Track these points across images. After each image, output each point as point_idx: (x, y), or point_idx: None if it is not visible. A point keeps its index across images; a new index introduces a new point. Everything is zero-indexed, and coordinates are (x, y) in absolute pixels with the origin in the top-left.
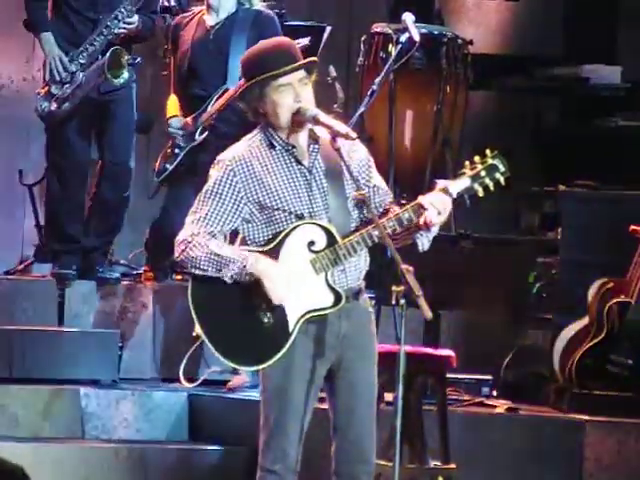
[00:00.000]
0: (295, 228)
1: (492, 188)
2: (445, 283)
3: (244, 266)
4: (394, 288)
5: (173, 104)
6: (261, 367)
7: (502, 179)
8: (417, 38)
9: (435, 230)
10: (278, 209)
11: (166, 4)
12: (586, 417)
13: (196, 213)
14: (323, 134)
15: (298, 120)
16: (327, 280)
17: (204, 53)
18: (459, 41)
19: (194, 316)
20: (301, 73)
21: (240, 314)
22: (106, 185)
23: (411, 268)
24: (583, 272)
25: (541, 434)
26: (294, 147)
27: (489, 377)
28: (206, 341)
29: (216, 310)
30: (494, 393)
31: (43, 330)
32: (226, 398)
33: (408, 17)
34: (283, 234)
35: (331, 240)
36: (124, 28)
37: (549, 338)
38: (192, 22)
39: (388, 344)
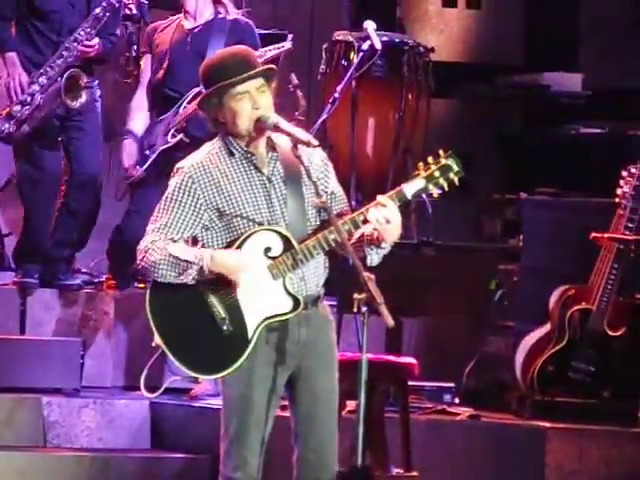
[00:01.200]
0: (251, 235)
1: (447, 188)
2: (407, 290)
3: (201, 267)
4: (356, 296)
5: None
6: (221, 375)
7: (456, 179)
8: (378, 46)
9: (387, 247)
10: (237, 216)
11: (127, 12)
12: (548, 424)
13: (157, 221)
14: (283, 142)
15: (259, 128)
16: (285, 286)
17: (182, 54)
18: (420, 49)
19: (152, 326)
20: (259, 81)
21: (199, 323)
22: (75, 196)
23: (372, 276)
24: (545, 279)
25: (503, 441)
26: (253, 155)
27: (451, 384)
28: (165, 350)
29: (175, 319)
30: (456, 400)
31: (5, 338)
32: (188, 406)
33: (370, 25)
34: (239, 241)
35: (288, 246)
36: (83, 51)
37: (511, 345)
38: (170, 27)
39: (350, 352)
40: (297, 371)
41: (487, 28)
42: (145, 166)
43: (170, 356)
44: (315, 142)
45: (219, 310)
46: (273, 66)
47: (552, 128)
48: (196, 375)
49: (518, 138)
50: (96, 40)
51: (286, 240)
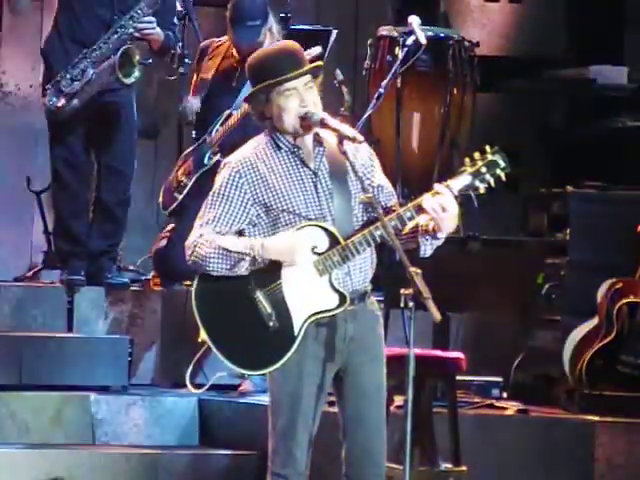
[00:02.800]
0: (298, 231)
1: (493, 184)
2: (454, 285)
3: (254, 257)
4: (403, 291)
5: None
6: (266, 371)
7: (502, 175)
8: (423, 41)
9: (442, 237)
10: (284, 211)
11: None
12: (596, 418)
13: (204, 217)
14: (329, 137)
15: (305, 124)
16: (331, 282)
17: (223, 89)
18: (466, 43)
19: (199, 321)
20: (307, 77)
21: (245, 318)
22: (104, 188)
23: (419, 270)
24: (592, 273)
25: (552, 435)
26: (300, 149)
27: (499, 379)
28: (211, 346)
29: (221, 315)
30: (504, 395)
31: (53, 337)
32: (236, 403)
33: (414, 20)
34: None
35: (334, 242)
36: (139, 28)
37: (558, 339)
38: (220, 49)
39: (397, 347)
40: (344, 367)
41: (530, 21)
42: (184, 193)
43: (216, 351)
44: (361, 138)
45: (265, 306)
46: (320, 63)
47: (598, 121)
48: (242, 370)
49: (564, 132)
50: (153, 19)
51: (332, 236)
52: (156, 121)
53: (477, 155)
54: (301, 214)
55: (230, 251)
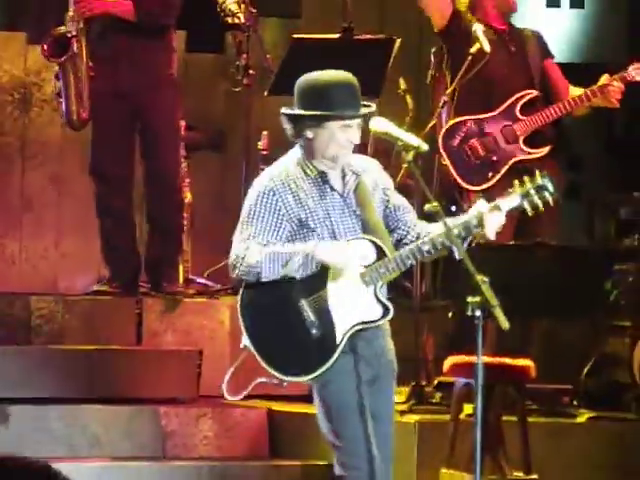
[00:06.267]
0: (349, 241)
1: (541, 207)
2: (521, 292)
3: (307, 254)
4: (470, 299)
5: None
6: (307, 378)
7: (551, 200)
8: (487, 49)
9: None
10: (314, 230)
11: (236, 21)
12: None
13: (242, 234)
14: (356, 161)
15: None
16: (376, 293)
17: None
18: None
19: (242, 327)
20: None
21: (288, 325)
22: (153, 195)
23: (486, 278)
24: None
25: (623, 443)
26: (326, 174)
27: (569, 386)
28: (253, 352)
29: (264, 321)
30: (574, 402)
31: (122, 349)
32: (305, 414)
33: (478, 28)
34: None
35: (381, 255)
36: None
37: (628, 345)
38: None
39: (466, 355)
40: (372, 380)
41: (591, 27)
42: None
43: (258, 357)
44: (425, 146)
45: (309, 314)
46: (374, 108)
47: None
48: (282, 377)
49: (628, 137)
50: None
51: (380, 249)
52: (222, 133)
53: (527, 178)
54: (333, 232)
55: (281, 252)
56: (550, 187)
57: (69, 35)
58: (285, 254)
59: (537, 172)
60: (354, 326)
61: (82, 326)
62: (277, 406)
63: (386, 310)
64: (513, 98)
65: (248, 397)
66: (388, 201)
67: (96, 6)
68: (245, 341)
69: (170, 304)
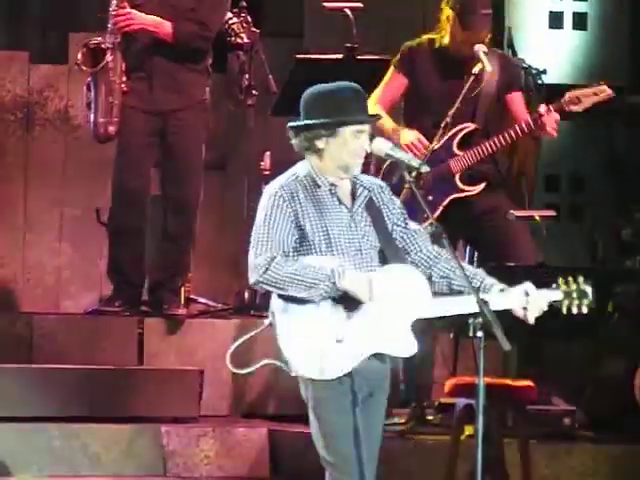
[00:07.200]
0: (385, 272)
1: (575, 311)
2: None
3: (333, 283)
4: (471, 320)
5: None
6: (313, 377)
7: (586, 309)
8: (489, 69)
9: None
10: (319, 240)
11: (239, 41)
12: None
13: (258, 243)
14: (364, 178)
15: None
16: (409, 326)
17: None
18: (533, 71)
19: (276, 312)
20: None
21: (314, 323)
22: (169, 218)
23: (487, 300)
24: None
25: (625, 465)
26: (337, 187)
27: (571, 408)
28: (278, 338)
29: (292, 315)
30: (576, 424)
31: (123, 369)
32: (306, 433)
33: (480, 48)
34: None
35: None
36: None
37: (630, 368)
38: None
39: (467, 376)
40: (365, 398)
41: (593, 49)
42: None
43: (277, 340)
44: (426, 167)
45: (340, 322)
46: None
47: None
48: (291, 367)
49: (630, 158)
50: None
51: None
52: (224, 153)
53: (571, 279)
54: (338, 246)
55: (305, 279)
56: (590, 296)
57: (104, 47)
58: (308, 281)
59: (580, 277)
60: (374, 354)
61: (84, 345)
62: (278, 426)
63: (412, 347)
64: (452, 132)
65: (248, 415)
66: (401, 221)
67: (135, 23)
68: (271, 319)
69: (171, 324)
